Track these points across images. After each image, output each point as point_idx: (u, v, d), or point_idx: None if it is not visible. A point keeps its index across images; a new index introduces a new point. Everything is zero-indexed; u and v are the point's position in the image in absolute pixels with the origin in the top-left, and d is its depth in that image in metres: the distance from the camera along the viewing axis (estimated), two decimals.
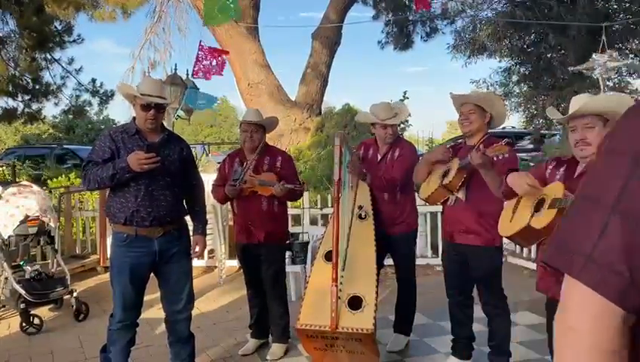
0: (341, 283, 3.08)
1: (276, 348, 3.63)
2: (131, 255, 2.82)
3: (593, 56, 6.35)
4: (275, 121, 3.84)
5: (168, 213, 2.88)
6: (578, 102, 2.25)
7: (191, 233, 3.16)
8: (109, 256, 3.03)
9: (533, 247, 5.18)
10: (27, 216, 4.37)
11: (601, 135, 2.19)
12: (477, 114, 3.09)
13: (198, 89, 6.34)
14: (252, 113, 3.69)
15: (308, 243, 5.05)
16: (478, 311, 3.27)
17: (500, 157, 2.73)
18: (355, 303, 3.06)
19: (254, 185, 3.46)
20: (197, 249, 3.13)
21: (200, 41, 6.03)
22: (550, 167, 2.42)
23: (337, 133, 3.23)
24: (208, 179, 4.08)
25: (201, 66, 6.01)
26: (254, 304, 3.79)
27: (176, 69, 5.96)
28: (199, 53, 5.94)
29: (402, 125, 9.18)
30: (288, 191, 3.43)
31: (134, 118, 2.94)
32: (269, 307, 3.71)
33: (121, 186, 2.81)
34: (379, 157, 3.66)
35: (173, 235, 2.93)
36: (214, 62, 6.06)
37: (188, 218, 3.15)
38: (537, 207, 2.24)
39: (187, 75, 5.97)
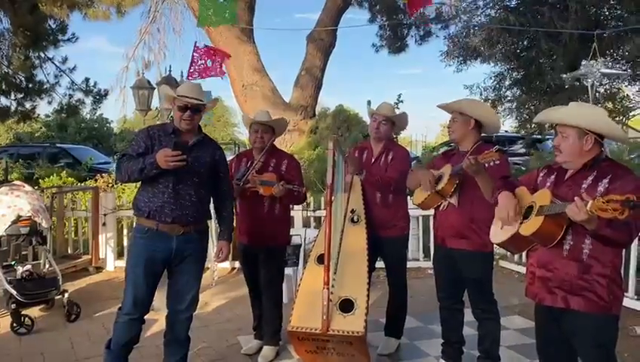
0: (333, 286, 3.10)
1: (267, 351, 3.63)
2: (149, 248, 2.88)
3: (583, 62, 6.39)
4: (285, 122, 3.87)
5: (191, 214, 2.92)
6: (566, 109, 2.28)
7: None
8: (127, 246, 3.14)
9: (525, 252, 5.21)
10: (19, 217, 4.35)
11: (575, 145, 2.21)
12: (459, 121, 3.14)
13: None
14: (262, 114, 3.72)
15: (300, 245, 5.07)
16: (468, 315, 3.30)
17: (492, 164, 2.77)
18: (347, 306, 3.09)
19: (256, 184, 3.48)
20: (221, 254, 3.16)
21: (195, 43, 6.04)
22: (541, 174, 2.45)
23: (330, 137, 3.26)
24: None
25: (197, 67, 6.00)
26: (257, 306, 3.80)
27: (170, 70, 5.97)
28: (194, 54, 5.93)
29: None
30: (288, 193, 3.44)
31: (173, 119, 3.04)
32: (263, 307, 3.72)
33: (150, 181, 2.88)
34: (373, 160, 3.71)
35: (193, 236, 2.96)
36: (210, 63, 6.05)
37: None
38: (526, 214, 2.27)
39: (182, 76, 5.98)
